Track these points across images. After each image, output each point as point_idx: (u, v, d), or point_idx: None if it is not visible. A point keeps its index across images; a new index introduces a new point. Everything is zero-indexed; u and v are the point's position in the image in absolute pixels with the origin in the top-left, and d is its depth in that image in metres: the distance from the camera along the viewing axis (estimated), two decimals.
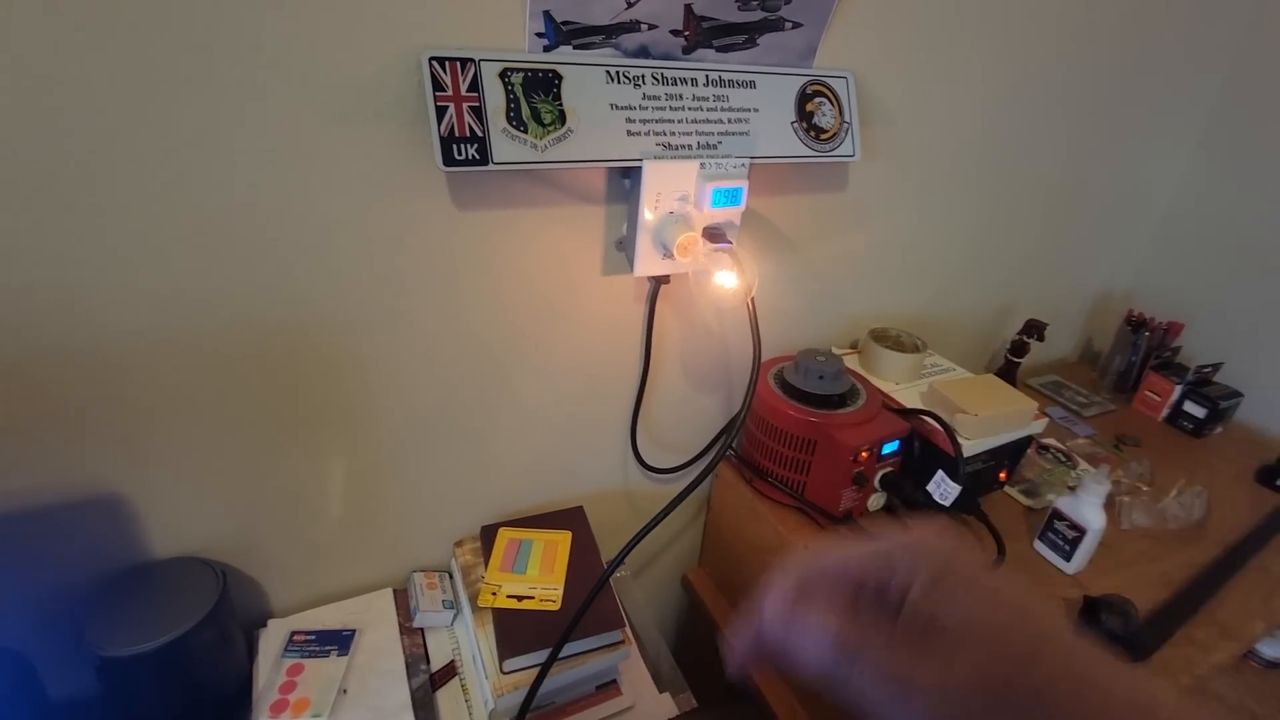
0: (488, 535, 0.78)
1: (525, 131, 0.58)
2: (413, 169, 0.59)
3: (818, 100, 0.73)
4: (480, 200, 0.63)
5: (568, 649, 0.66)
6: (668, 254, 0.69)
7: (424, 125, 0.57)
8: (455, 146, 0.56)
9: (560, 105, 0.59)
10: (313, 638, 0.69)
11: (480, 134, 0.57)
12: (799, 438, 0.77)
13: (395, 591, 0.77)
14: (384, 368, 0.66)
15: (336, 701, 0.64)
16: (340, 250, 0.59)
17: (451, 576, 0.80)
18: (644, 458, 0.86)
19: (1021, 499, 0.87)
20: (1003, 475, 0.86)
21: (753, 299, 0.63)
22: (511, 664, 0.64)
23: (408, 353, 0.67)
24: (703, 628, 0.95)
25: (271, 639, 0.69)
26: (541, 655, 0.65)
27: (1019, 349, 1.06)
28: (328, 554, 0.73)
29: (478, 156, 0.57)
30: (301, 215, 0.56)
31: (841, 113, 0.75)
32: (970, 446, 0.76)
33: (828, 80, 0.73)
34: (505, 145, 0.58)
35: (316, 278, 0.59)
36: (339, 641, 0.69)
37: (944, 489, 0.71)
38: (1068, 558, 0.75)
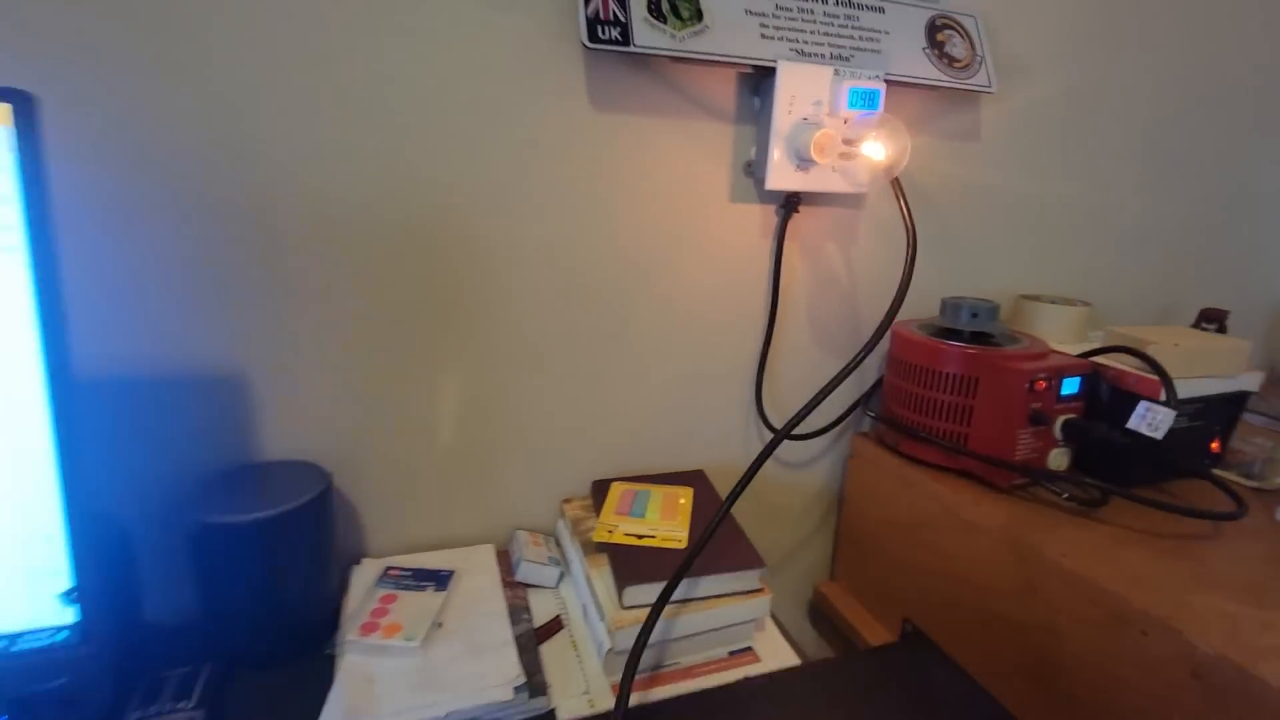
0: (599, 488, 0.70)
1: (664, 23, 0.60)
2: (554, 60, 0.60)
3: (947, 32, 0.72)
4: (615, 102, 0.63)
5: (701, 588, 0.55)
6: (802, 164, 0.66)
7: (565, 19, 0.60)
8: (599, 28, 0.58)
9: (697, 3, 0.61)
10: (408, 574, 0.62)
11: (622, 19, 0.58)
12: (957, 377, 0.67)
13: (497, 551, 0.69)
14: (507, 278, 0.64)
15: (431, 632, 0.55)
16: (477, 139, 0.60)
17: (559, 541, 0.71)
18: (769, 420, 0.78)
19: (1243, 481, 0.71)
20: (1215, 445, 0.71)
21: (898, 178, 0.58)
22: (633, 594, 0.54)
23: (531, 264, 0.65)
24: (839, 649, 0.79)
25: (364, 573, 0.62)
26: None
27: None
28: (430, 489, 0.67)
29: (620, 38, 0.58)
30: (446, 100, 0.58)
31: (974, 46, 0.73)
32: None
33: (956, 16, 0.73)
34: (645, 31, 0.59)
35: (453, 169, 0.60)
36: (437, 579, 0.61)
37: (1153, 417, 0.59)
38: None
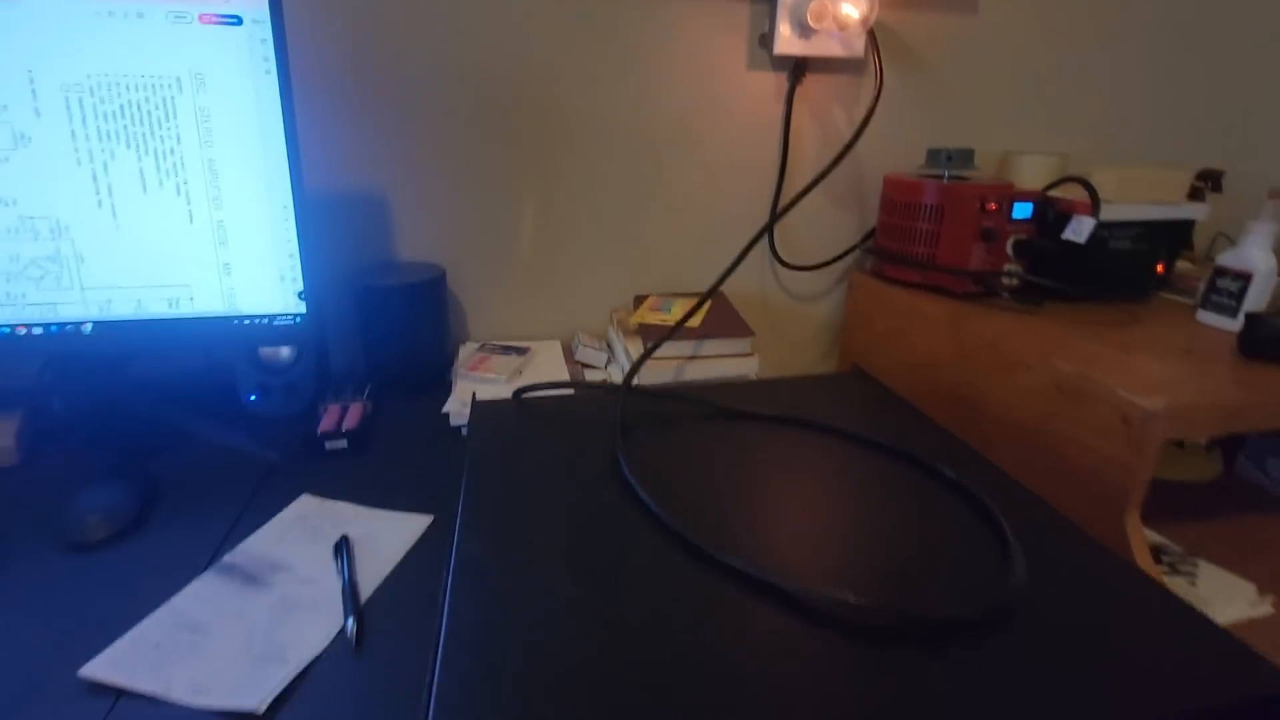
0: (639, 299, 0.91)
1: None
2: None
3: None
4: None
5: (704, 348, 0.76)
6: (804, 32, 0.81)
7: None
8: None
9: None
10: (498, 346, 0.86)
11: None
12: (927, 206, 0.82)
13: (562, 345, 0.92)
14: (572, 126, 0.85)
15: (513, 375, 0.79)
16: (548, 23, 0.80)
17: (609, 342, 0.93)
18: (778, 253, 0.95)
19: (1184, 300, 0.82)
20: (1160, 268, 0.83)
21: (873, 31, 0.73)
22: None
23: (590, 119, 0.85)
24: None
25: (468, 347, 0.87)
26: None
27: (1193, 198, 1.00)
28: (514, 293, 0.91)
29: None
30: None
31: None
32: (1111, 211, 0.76)
33: None
34: None
35: (533, 47, 0.80)
36: (518, 351, 0.86)
37: (1078, 226, 0.73)
38: (1234, 314, 0.71)
